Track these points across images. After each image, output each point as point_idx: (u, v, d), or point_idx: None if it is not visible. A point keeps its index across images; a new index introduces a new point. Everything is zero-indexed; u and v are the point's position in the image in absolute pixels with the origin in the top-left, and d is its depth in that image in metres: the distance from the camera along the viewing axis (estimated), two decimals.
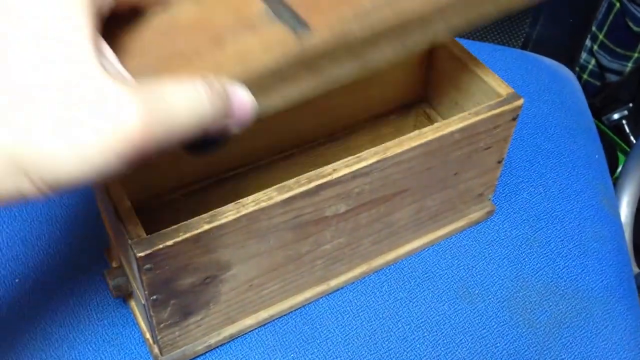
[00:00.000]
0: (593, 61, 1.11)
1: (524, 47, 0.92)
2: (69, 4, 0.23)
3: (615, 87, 1.09)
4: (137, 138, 0.23)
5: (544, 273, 0.46)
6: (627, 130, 1.07)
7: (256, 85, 0.28)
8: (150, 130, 0.23)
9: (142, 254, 0.32)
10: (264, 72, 0.28)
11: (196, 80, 0.25)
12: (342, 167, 0.37)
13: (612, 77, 1.09)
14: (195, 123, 0.25)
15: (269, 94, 0.29)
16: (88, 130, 0.22)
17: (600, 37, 1.07)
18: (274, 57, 0.29)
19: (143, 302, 0.36)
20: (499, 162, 0.45)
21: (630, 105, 1.08)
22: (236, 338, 0.41)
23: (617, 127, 1.08)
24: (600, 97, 1.09)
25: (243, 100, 0.27)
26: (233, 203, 0.34)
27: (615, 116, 1.09)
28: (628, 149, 1.03)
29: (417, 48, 0.34)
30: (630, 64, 1.06)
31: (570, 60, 1.01)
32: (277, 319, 0.42)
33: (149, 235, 0.32)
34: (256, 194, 0.35)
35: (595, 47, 1.08)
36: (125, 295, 0.41)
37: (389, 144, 0.38)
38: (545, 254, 0.47)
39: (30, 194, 0.23)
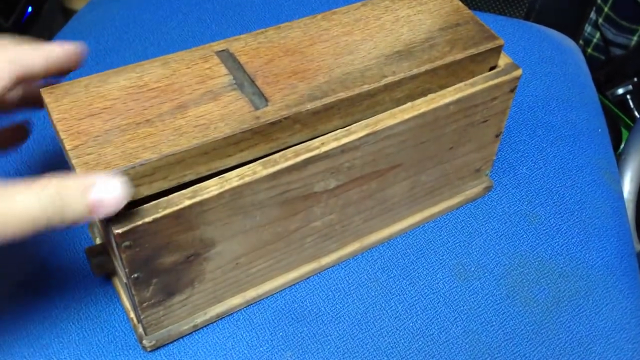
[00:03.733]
0: (598, 35, 1.08)
1: (526, 17, 0.90)
2: None
3: (620, 62, 1.07)
4: None
5: (543, 250, 0.45)
6: (632, 105, 1.05)
7: (212, 149, 0.32)
8: None
9: (119, 231, 0.30)
10: (220, 138, 0.32)
11: (48, 185, 0.28)
12: (330, 141, 0.35)
13: (617, 51, 1.07)
14: (30, 225, 0.28)
15: (224, 156, 0.33)
16: None
17: (606, 10, 1.04)
18: (230, 127, 0.32)
19: (124, 280, 0.34)
20: (497, 135, 0.44)
21: (635, 79, 1.06)
22: (223, 317, 0.40)
23: (621, 102, 1.06)
24: (604, 72, 1.06)
25: (107, 197, 0.29)
26: (216, 178, 0.33)
27: (620, 91, 1.07)
28: (632, 124, 1.01)
29: (363, 117, 0.36)
30: (635, 38, 1.04)
31: (573, 31, 0.99)
32: (265, 298, 0.41)
33: (127, 211, 0.31)
34: (240, 168, 0.33)
35: (600, 20, 1.06)
36: (108, 274, 0.40)
37: (380, 116, 0.36)
38: (544, 230, 0.46)
39: None
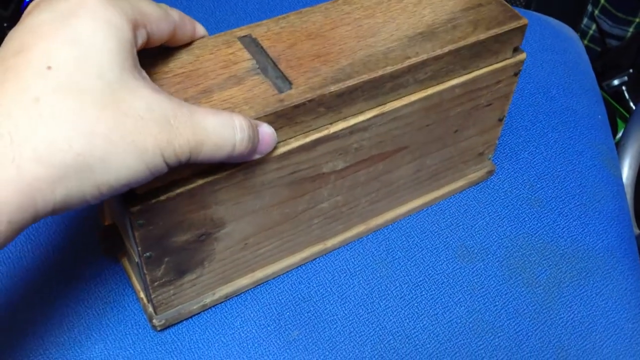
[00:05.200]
0: (594, 26, 1.09)
1: (526, 6, 0.91)
2: (117, 55, 0.26)
3: (616, 53, 1.07)
4: (178, 148, 0.27)
5: (544, 232, 0.45)
6: (627, 96, 1.06)
7: None
8: (188, 144, 0.28)
9: (134, 209, 0.31)
10: None
11: (234, 116, 0.30)
12: (339, 122, 0.35)
13: (613, 43, 1.07)
14: (222, 153, 0.29)
15: None
16: (150, 139, 0.26)
17: (602, 1, 1.05)
18: (255, 110, 0.32)
19: (136, 259, 0.35)
20: (500, 119, 0.44)
21: (631, 71, 1.06)
22: (232, 298, 0.40)
23: (616, 93, 1.07)
24: (600, 63, 1.07)
25: (266, 137, 0.32)
26: None
27: (615, 82, 1.08)
28: (627, 115, 1.02)
29: (387, 100, 0.36)
30: (631, 29, 1.05)
31: (573, 21, 1.00)
32: (273, 279, 0.41)
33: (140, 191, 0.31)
34: None
35: (597, 12, 1.06)
36: (118, 255, 0.41)
37: (388, 97, 0.37)
38: (545, 213, 0.47)
39: (91, 199, 0.26)
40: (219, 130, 0.29)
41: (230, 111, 0.30)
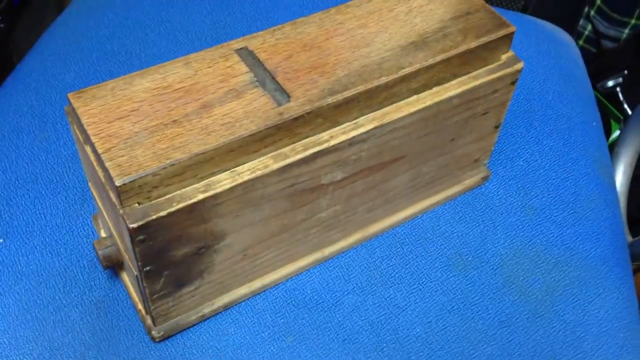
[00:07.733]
0: (589, 27, 1.09)
1: (523, 10, 0.91)
2: None
3: (611, 54, 1.08)
4: None
5: (538, 241, 0.46)
6: (621, 98, 1.06)
7: (238, 146, 0.32)
8: None
9: (134, 225, 0.31)
10: (246, 136, 0.32)
11: None
12: (339, 134, 0.36)
13: (608, 44, 1.08)
14: None
15: (249, 152, 0.33)
16: None
17: (598, 2, 1.05)
18: (255, 123, 0.33)
19: (135, 273, 0.35)
20: (496, 127, 0.45)
21: (625, 72, 1.07)
22: (230, 307, 0.41)
23: (611, 94, 1.07)
24: (595, 64, 1.07)
25: None
26: (228, 171, 0.33)
27: (610, 83, 1.08)
28: (621, 117, 1.03)
29: (381, 109, 0.37)
30: (627, 31, 1.05)
31: (570, 25, 1.00)
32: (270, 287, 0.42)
33: (141, 206, 0.31)
34: (251, 162, 0.34)
35: (592, 13, 1.07)
36: (115, 266, 0.40)
37: (387, 109, 0.37)
38: (539, 221, 0.47)
39: None
40: None
41: None
